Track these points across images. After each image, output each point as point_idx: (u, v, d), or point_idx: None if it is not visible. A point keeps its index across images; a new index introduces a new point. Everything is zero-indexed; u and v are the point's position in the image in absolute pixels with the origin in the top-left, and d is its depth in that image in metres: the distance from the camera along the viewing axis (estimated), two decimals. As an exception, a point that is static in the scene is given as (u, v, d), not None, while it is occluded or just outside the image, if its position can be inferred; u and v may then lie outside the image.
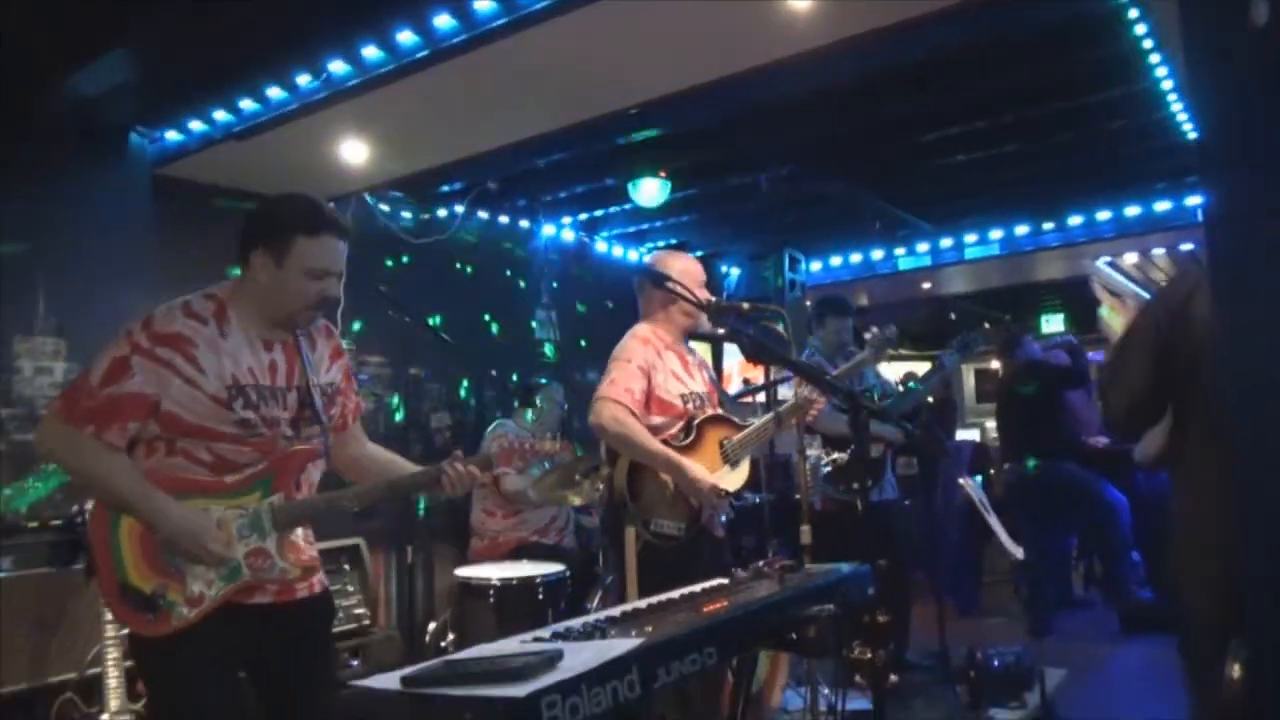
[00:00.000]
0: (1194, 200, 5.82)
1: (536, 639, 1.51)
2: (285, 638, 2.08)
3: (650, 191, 5.23)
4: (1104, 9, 3.18)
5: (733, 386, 7.03)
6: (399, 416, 5.14)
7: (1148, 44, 3.52)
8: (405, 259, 5.26)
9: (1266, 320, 1.75)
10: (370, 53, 3.27)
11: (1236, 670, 1.97)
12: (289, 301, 2.04)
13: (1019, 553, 3.56)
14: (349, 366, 2.30)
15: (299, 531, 2.14)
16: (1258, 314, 1.77)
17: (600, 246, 6.73)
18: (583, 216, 6.27)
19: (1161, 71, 3.94)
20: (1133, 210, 6.24)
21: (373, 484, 2.24)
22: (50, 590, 3.25)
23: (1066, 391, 5.54)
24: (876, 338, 3.81)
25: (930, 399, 4.98)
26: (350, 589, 4.20)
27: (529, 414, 4.96)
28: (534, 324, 6.08)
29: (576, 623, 1.60)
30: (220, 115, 3.81)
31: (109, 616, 3.07)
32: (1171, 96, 4.26)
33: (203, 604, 1.95)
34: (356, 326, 4.93)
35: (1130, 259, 7.48)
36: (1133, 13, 3.19)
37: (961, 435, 9.49)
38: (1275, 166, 1.79)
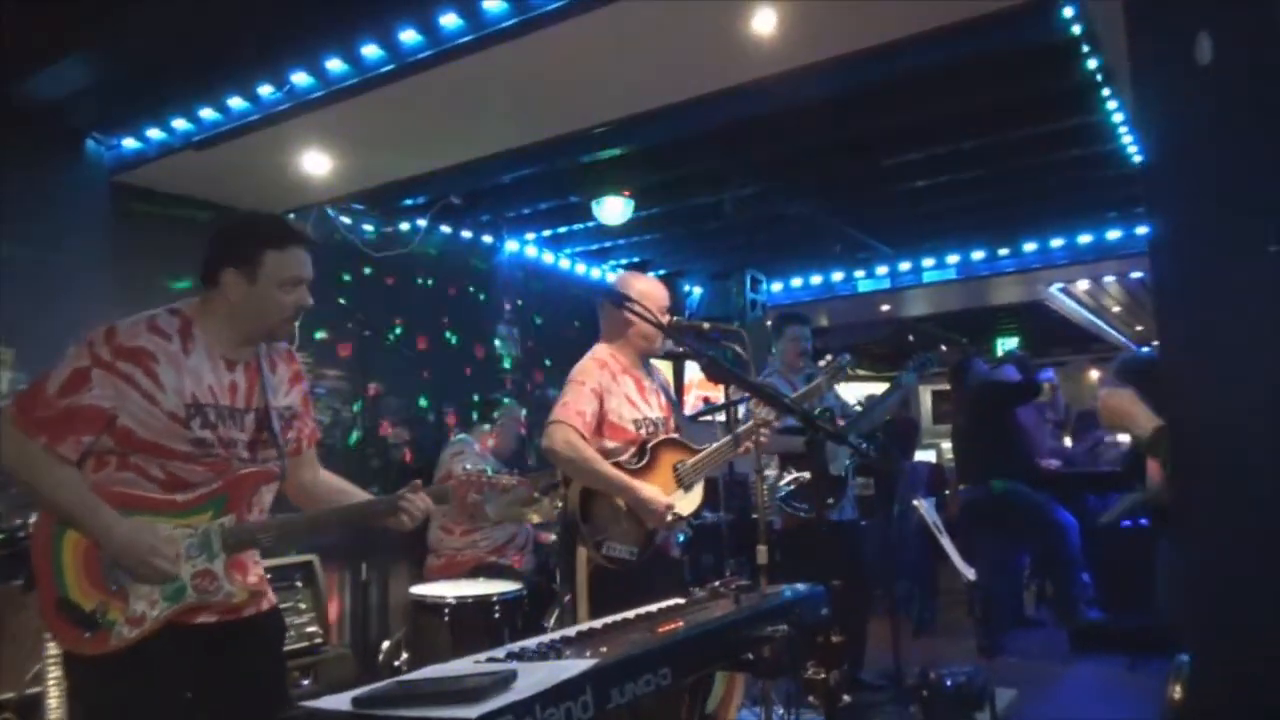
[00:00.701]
0: (1144, 229, 5.98)
1: (490, 659, 1.50)
2: (234, 657, 2.04)
3: (614, 210, 5.25)
4: (1058, 42, 3.27)
5: (691, 400, 7.04)
6: (356, 432, 5.08)
7: (1100, 77, 3.62)
8: (366, 272, 5.23)
9: (1207, 341, 1.81)
10: (334, 65, 3.26)
11: (1178, 691, 2.02)
12: (268, 315, 2.04)
13: (971, 573, 3.61)
14: (307, 392, 2.29)
15: (246, 553, 2.11)
16: (1200, 335, 1.83)
17: (564, 264, 6.73)
18: (546, 233, 6.27)
19: (1113, 104, 4.05)
20: (1085, 238, 6.39)
21: (326, 510, 2.21)
22: (-11, 606, 3.16)
23: (1020, 405, 5.64)
24: (831, 364, 3.89)
25: (888, 418, 5.04)
26: (303, 606, 4.13)
27: (488, 431, 4.95)
28: (495, 340, 6.06)
29: (531, 643, 1.59)
30: (180, 124, 3.77)
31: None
32: (1123, 128, 4.38)
33: (144, 624, 1.90)
34: (319, 335, 4.89)
35: (1082, 286, 7.66)
36: (1085, 47, 3.28)
37: (919, 456, 9.60)
38: (1217, 198, 1.86)
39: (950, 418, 6.47)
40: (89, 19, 3.14)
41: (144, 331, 1.96)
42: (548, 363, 6.31)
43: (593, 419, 2.88)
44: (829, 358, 3.88)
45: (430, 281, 5.65)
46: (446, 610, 3.72)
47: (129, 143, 4.00)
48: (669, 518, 2.83)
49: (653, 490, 2.84)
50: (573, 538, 2.86)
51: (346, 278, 5.11)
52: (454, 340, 5.77)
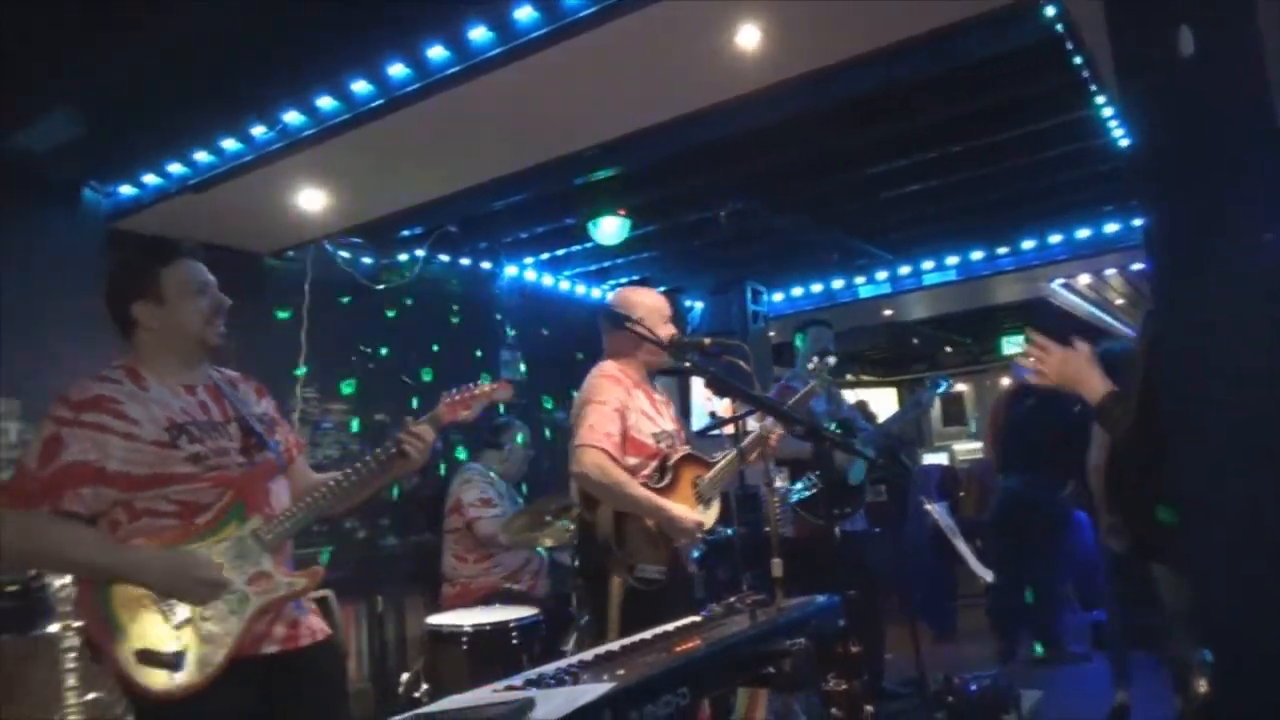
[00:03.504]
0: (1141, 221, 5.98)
1: (509, 687, 1.50)
2: (297, 688, 2.08)
3: (610, 229, 5.28)
4: (1042, 41, 3.28)
5: (697, 417, 7.04)
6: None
7: (1086, 73, 3.64)
8: (367, 304, 5.24)
9: (1204, 329, 1.82)
10: (325, 103, 3.29)
11: (1204, 685, 2.01)
12: (192, 325, 2.10)
13: (988, 576, 3.60)
14: (275, 404, 2.35)
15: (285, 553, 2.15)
16: (1196, 324, 1.84)
17: (564, 285, 6.75)
18: (544, 256, 6.29)
19: (1102, 98, 4.06)
20: (1083, 233, 6.39)
21: (339, 476, 2.21)
22: (5, 659, 3.16)
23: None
24: (818, 367, 3.85)
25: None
26: (320, 642, 4.12)
27: (496, 456, 4.95)
28: (498, 365, 6.07)
29: (549, 669, 1.59)
30: (175, 168, 3.79)
31: (70, 683, 3.00)
32: (1113, 122, 4.40)
33: (226, 643, 1.94)
34: (348, 389, 4.93)
35: (1084, 280, 7.66)
36: (1069, 44, 3.29)
37: (929, 459, 9.59)
38: (1206, 187, 1.87)
39: (960, 419, 6.44)
40: (81, 70, 3.18)
41: (94, 384, 2.01)
42: (551, 385, 6.31)
43: (619, 438, 2.89)
44: (814, 360, 3.84)
45: (431, 310, 5.67)
46: (464, 639, 3.71)
47: (125, 190, 4.03)
48: (698, 534, 2.86)
49: (683, 509, 2.87)
50: (603, 563, 2.84)
51: (347, 307, 5.14)
52: (457, 368, 5.77)
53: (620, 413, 2.91)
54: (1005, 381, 9.80)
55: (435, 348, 5.63)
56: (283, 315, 4.77)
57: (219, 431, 2.09)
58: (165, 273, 2.09)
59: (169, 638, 1.92)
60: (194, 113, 3.43)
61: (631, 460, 2.92)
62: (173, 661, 1.90)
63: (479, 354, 5.94)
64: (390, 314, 5.38)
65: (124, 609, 1.93)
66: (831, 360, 3.86)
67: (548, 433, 6.12)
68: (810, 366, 3.85)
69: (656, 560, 2.85)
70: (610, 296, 3.40)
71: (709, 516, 2.99)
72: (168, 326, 2.08)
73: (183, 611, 1.94)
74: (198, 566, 1.95)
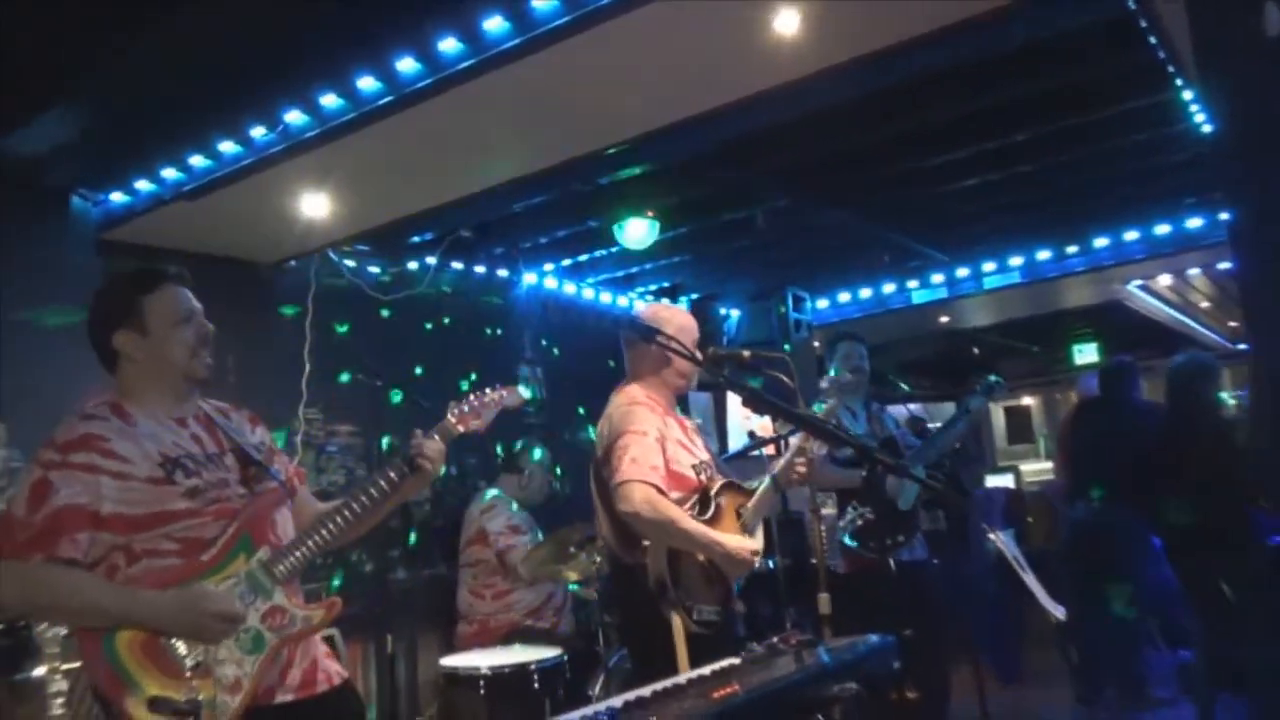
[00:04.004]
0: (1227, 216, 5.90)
1: (530, 737, 1.51)
2: None
3: (638, 233, 5.29)
4: (1114, 19, 3.26)
5: (735, 436, 7.01)
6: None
7: (1162, 54, 3.60)
8: (374, 317, 5.29)
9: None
10: (329, 101, 3.33)
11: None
12: (177, 356, 2.14)
13: (1060, 612, 3.55)
14: (270, 434, 2.40)
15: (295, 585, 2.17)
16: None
17: (587, 294, 6.77)
18: (566, 262, 6.31)
19: (1181, 81, 4.02)
20: (1163, 229, 6.31)
21: (352, 500, 2.23)
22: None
23: None
24: (830, 387, 3.82)
25: (956, 446, 4.96)
26: (325, 686, 4.14)
27: (515, 482, 4.98)
28: (517, 382, 6.08)
29: (574, 716, 1.59)
30: (169, 173, 3.85)
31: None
32: (1194, 107, 4.34)
33: (243, 686, 1.97)
34: (354, 409, 4.95)
35: (1164, 281, 7.56)
36: (1143, 22, 3.26)
37: (993, 481, 9.48)
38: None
39: (1027, 436, 6.36)
40: (68, 71, 3.24)
41: (79, 423, 2.04)
42: (574, 402, 6.31)
43: (664, 470, 2.89)
44: (825, 381, 3.83)
45: (444, 323, 5.71)
46: (482, 682, 3.72)
47: (117, 197, 4.09)
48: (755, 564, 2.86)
49: (737, 540, 2.86)
50: (656, 607, 2.81)
51: (353, 323, 5.18)
52: (472, 384, 5.80)
53: (661, 443, 2.91)
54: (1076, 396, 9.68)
55: (448, 363, 5.66)
56: (284, 331, 4.83)
57: (215, 463, 2.13)
58: (148, 301, 2.13)
59: (181, 686, 1.94)
60: (189, 113, 3.47)
61: (674, 495, 2.90)
62: (188, 710, 1.92)
63: (496, 369, 5.96)
64: (399, 328, 5.41)
65: (131, 656, 1.95)
66: (848, 377, 3.84)
67: (569, 457, 6.13)
68: (823, 385, 3.82)
69: (711, 599, 2.85)
70: (639, 307, 3.40)
71: (756, 546, 2.99)
72: (152, 358, 2.13)
73: (195, 655, 1.96)
74: (209, 600, 1.98)
